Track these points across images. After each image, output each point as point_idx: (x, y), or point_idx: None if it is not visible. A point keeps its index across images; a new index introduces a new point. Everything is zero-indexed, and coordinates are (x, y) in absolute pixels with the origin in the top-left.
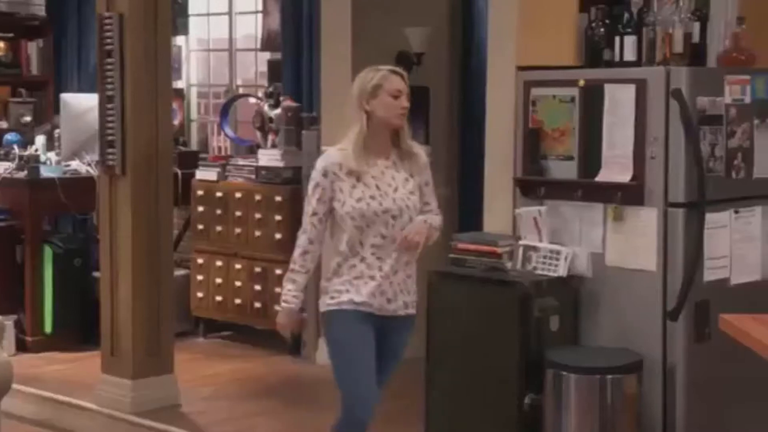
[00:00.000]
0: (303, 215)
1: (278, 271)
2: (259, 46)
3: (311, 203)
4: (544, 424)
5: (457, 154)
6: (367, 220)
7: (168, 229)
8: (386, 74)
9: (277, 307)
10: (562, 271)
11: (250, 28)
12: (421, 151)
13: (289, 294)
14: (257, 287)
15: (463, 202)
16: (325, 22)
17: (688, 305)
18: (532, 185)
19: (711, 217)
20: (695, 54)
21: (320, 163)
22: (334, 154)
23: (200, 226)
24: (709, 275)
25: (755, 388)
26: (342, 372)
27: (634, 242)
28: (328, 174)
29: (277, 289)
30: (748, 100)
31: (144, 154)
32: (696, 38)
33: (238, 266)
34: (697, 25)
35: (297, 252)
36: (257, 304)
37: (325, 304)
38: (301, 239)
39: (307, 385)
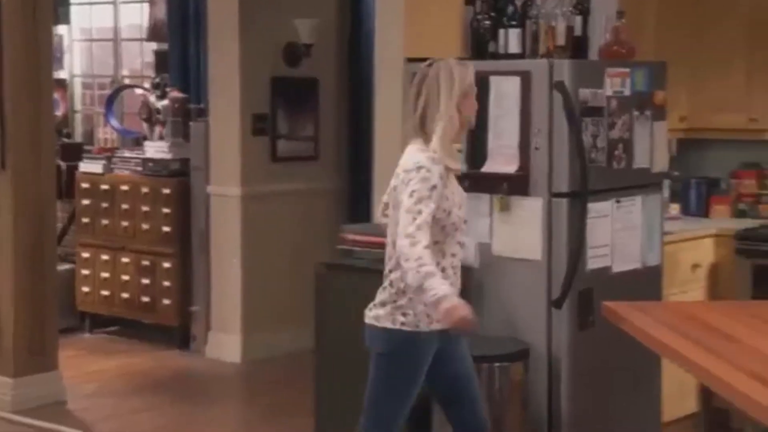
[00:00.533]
0: (419, 223)
1: (166, 265)
2: (144, 35)
3: (429, 207)
4: (433, 413)
5: (346, 144)
6: (460, 229)
7: (51, 223)
8: (473, 71)
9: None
10: None
11: (136, 17)
12: None
13: (440, 283)
14: (145, 281)
15: (353, 193)
16: (212, 12)
17: (572, 293)
18: None
19: (593, 207)
20: (577, 47)
21: (431, 164)
22: (435, 156)
23: (85, 220)
24: (592, 264)
25: (637, 374)
26: (389, 403)
27: (520, 232)
28: (443, 177)
29: (166, 283)
30: (628, 92)
31: (25, 146)
32: (578, 31)
33: (125, 260)
34: (579, 19)
35: (420, 263)
36: (145, 299)
37: (397, 321)
38: (417, 250)
39: (196, 379)
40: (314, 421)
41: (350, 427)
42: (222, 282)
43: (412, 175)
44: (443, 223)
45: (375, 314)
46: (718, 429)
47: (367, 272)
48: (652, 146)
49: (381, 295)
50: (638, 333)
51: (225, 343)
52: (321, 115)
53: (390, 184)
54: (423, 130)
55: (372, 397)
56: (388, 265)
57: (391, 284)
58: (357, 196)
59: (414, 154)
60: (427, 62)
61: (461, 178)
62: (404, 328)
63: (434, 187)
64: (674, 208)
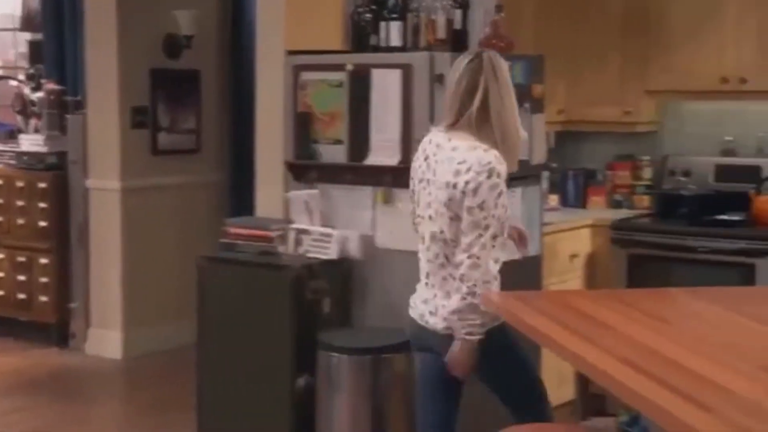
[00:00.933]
0: (485, 242)
1: (43, 261)
2: (17, 25)
3: (496, 218)
4: (317, 406)
5: (229, 137)
6: None
7: None
8: None
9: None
10: (333, 253)
11: (8, 6)
12: None
13: (476, 325)
14: (21, 278)
15: (236, 187)
16: (89, 1)
17: None
18: (303, 169)
19: None
20: (458, 40)
21: (500, 165)
22: (499, 154)
23: None
24: None
25: None
26: (533, 369)
27: (403, 224)
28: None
29: (43, 279)
30: None
31: None
32: (458, 25)
33: (0, 256)
34: (459, 12)
35: (488, 275)
36: (21, 295)
37: (495, 319)
38: (476, 276)
39: (75, 377)
40: (196, 415)
41: (232, 421)
42: (101, 277)
43: (481, 179)
44: (503, 219)
45: (470, 330)
46: (594, 414)
47: (249, 266)
48: (530, 138)
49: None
50: (517, 322)
51: (105, 340)
52: (203, 107)
53: (417, 178)
54: (480, 127)
55: (515, 381)
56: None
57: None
58: (239, 189)
59: (479, 152)
60: (474, 52)
61: (344, 171)
62: (497, 321)
63: (501, 193)
64: (553, 199)
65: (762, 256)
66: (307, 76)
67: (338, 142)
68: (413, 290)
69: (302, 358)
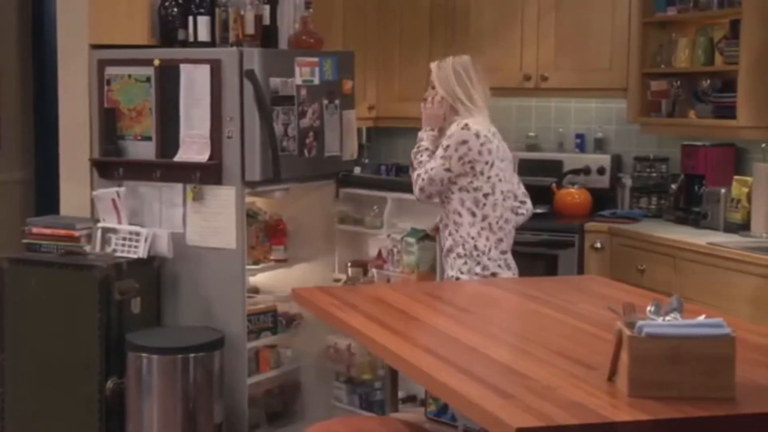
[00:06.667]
0: None
1: None
2: None
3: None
4: (127, 408)
5: (32, 134)
6: None
7: None
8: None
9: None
10: (142, 252)
11: None
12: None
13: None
14: None
15: (40, 185)
16: None
17: None
18: (110, 166)
19: None
20: (267, 36)
21: None
22: None
23: None
24: None
25: None
26: None
27: (214, 221)
28: None
29: None
30: (317, 81)
31: None
32: (267, 20)
33: None
34: (267, 8)
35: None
36: None
37: None
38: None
39: None
40: (0, 425)
41: (39, 428)
42: None
43: None
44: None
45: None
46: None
47: (54, 266)
48: (342, 134)
49: None
50: (325, 316)
51: None
52: (3, 102)
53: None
54: None
55: None
56: None
57: None
58: (45, 188)
59: None
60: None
61: (153, 168)
62: None
63: None
64: None
65: (564, 248)
66: (112, 71)
67: (146, 138)
68: (226, 287)
69: (112, 360)
